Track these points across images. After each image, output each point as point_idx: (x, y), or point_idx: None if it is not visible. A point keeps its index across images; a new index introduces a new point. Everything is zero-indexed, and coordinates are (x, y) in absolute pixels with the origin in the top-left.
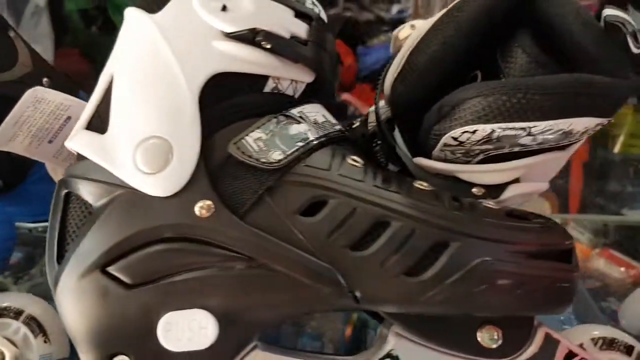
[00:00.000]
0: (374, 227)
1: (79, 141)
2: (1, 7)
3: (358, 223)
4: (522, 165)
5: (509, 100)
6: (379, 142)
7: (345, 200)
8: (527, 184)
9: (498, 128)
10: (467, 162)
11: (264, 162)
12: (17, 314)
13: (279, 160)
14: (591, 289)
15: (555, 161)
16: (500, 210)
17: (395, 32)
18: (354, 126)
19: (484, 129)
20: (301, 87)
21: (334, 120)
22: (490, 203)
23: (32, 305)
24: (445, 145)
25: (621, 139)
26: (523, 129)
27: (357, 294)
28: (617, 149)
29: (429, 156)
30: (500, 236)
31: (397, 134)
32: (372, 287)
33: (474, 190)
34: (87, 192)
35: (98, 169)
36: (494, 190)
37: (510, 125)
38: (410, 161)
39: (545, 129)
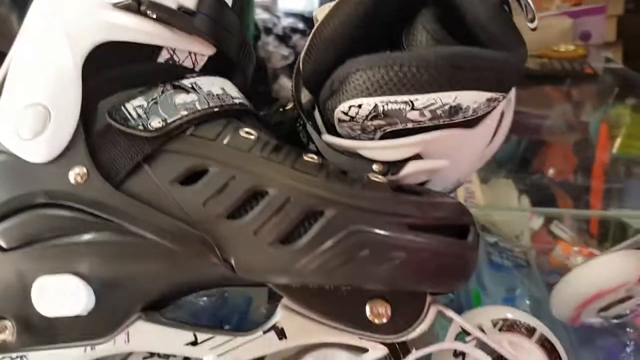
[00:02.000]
0: (252, 197)
1: None
2: None
3: (235, 191)
4: (418, 141)
5: (387, 74)
6: (301, 122)
7: (224, 169)
8: (427, 160)
9: (381, 102)
10: (370, 140)
11: (141, 130)
12: None
13: (158, 129)
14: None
15: (458, 138)
16: (388, 184)
17: (314, 12)
18: (287, 108)
19: (368, 103)
20: (202, 61)
21: (236, 94)
22: (380, 178)
23: None
24: (340, 120)
25: (619, 140)
26: (405, 102)
27: (232, 261)
28: (615, 150)
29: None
30: (380, 207)
31: (317, 114)
32: (246, 256)
33: (375, 166)
34: None
35: None
36: (395, 166)
37: (392, 98)
38: (318, 139)
39: (429, 102)
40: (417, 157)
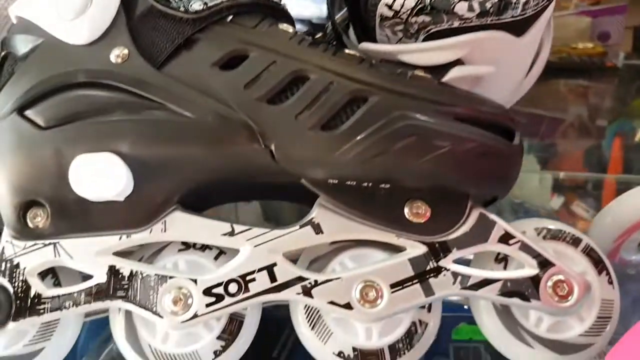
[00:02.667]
0: (293, 82)
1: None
2: None
3: (275, 76)
4: (462, 42)
5: None
6: (334, 42)
7: (264, 54)
8: (470, 66)
9: None
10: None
11: (183, 12)
12: None
13: (199, 11)
14: None
15: (504, 44)
16: (432, 78)
17: None
18: (316, 36)
19: None
20: None
21: None
22: (425, 73)
23: None
24: (383, 18)
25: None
26: None
27: (272, 147)
28: (637, 138)
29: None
30: (426, 94)
31: (351, 32)
32: (286, 141)
33: (418, 72)
34: (17, 45)
35: (29, 24)
36: (437, 71)
37: None
38: (356, 49)
39: None
40: (460, 63)
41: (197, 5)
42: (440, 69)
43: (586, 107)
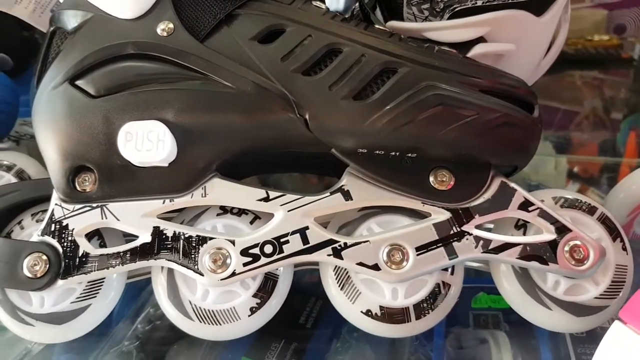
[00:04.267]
0: (327, 55)
1: None
2: None
3: (311, 48)
4: (487, 19)
5: None
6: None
7: (300, 28)
8: (493, 43)
9: None
10: (437, 18)
11: None
12: (8, 168)
13: None
14: None
15: (525, 23)
16: (458, 53)
17: None
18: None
19: None
20: None
21: None
22: (450, 49)
23: (22, 160)
24: None
25: None
26: None
27: (307, 116)
28: None
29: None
30: (452, 66)
31: (378, 13)
32: (320, 110)
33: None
34: (66, 20)
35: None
36: (461, 48)
37: None
38: (382, 25)
39: None
40: (483, 40)
41: None
42: (464, 46)
43: (601, 99)
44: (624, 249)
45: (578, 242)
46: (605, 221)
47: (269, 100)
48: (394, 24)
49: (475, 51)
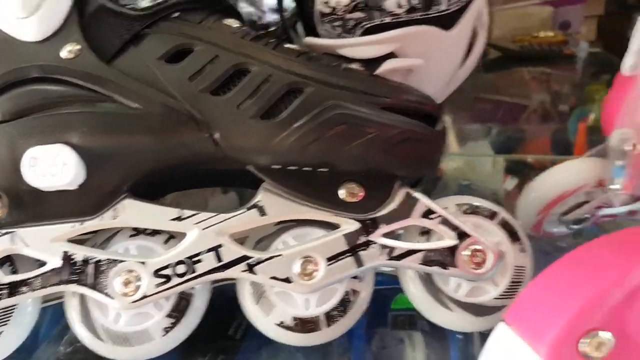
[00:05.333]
0: (235, 74)
1: None
2: None
3: (219, 68)
4: (394, 36)
5: None
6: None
7: (209, 48)
8: (402, 59)
9: None
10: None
11: (131, 9)
12: None
13: (146, 8)
14: None
15: (433, 37)
16: (364, 71)
17: None
18: (269, 29)
19: None
20: None
21: None
22: (357, 66)
23: None
24: (322, 14)
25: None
26: None
27: (217, 136)
28: (590, 121)
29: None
30: (355, 86)
31: (298, 25)
32: (230, 129)
33: (354, 65)
34: None
35: None
36: (372, 64)
37: None
38: (300, 42)
39: None
40: (394, 56)
41: (145, 3)
42: (375, 62)
43: (549, 93)
44: (523, 250)
45: (477, 247)
46: (505, 225)
47: (177, 121)
48: (310, 40)
49: (385, 66)
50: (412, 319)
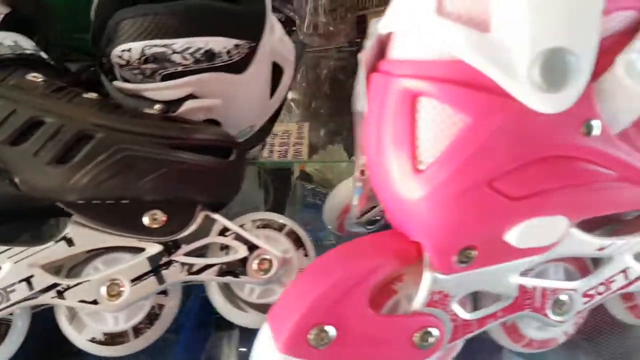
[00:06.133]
0: (32, 126)
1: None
2: None
3: (16, 121)
4: (187, 82)
5: (146, 21)
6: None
7: (8, 103)
8: (201, 99)
9: (145, 45)
10: (153, 80)
11: None
12: None
13: None
14: None
15: (227, 81)
16: (159, 115)
17: None
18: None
19: (135, 47)
20: None
21: (29, 46)
22: (152, 110)
23: None
24: (119, 65)
25: None
26: (165, 45)
27: (17, 180)
28: None
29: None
30: (143, 130)
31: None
32: (28, 175)
33: (157, 106)
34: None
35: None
36: (174, 104)
37: (153, 42)
38: (110, 86)
39: (185, 46)
40: (193, 96)
41: None
42: (176, 102)
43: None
44: (306, 255)
45: (265, 256)
46: (290, 235)
47: None
48: (118, 84)
49: (186, 106)
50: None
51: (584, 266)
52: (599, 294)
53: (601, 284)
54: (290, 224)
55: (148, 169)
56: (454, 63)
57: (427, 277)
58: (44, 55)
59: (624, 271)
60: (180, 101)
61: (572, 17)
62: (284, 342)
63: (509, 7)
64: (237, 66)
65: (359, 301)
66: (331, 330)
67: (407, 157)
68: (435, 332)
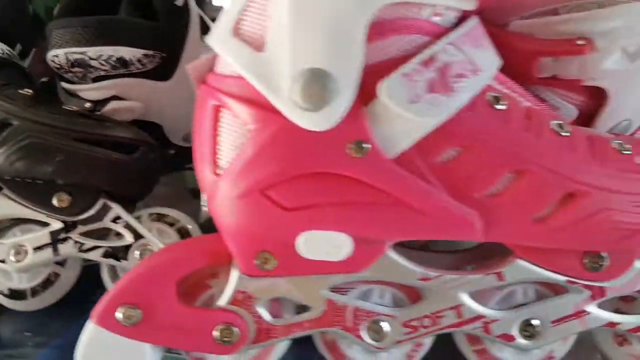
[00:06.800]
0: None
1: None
2: None
3: None
4: (108, 85)
5: (67, 32)
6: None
7: None
8: (122, 101)
9: (66, 52)
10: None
11: None
12: None
13: None
14: None
15: (147, 87)
16: (77, 111)
17: None
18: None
19: (59, 54)
20: None
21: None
22: (74, 108)
23: None
24: (56, 69)
25: None
26: (81, 53)
27: None
28: None
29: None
30: (51, 122)
31: None
32: None
33: (87, 105)
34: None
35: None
36: (101, 103)
37: (71, 50)
38: (59, 85)
39: (98, 54)
40: (118, 98)
41: None
42: (103, 102)
43: None
44: None
45: (149, 246)
46: (180, 230)
47: None
48: (63, 85)
49: (110, 106)
50: None
51: (417, 296)
52: (424, 327)
53: (426, 316)
54: (183, 221)
55: (49, 155)
56: (242, 79)
57: (234, 275)
58: (14, 57)
59: (455, 308)
60: (105, 101)
61: (332, 40)
62: (97, 314)
63: (278, 28)
64: (160, 74)
65: (165, 289)
66: (137, 311)
67: (210, 163)
68: (235, 330)
